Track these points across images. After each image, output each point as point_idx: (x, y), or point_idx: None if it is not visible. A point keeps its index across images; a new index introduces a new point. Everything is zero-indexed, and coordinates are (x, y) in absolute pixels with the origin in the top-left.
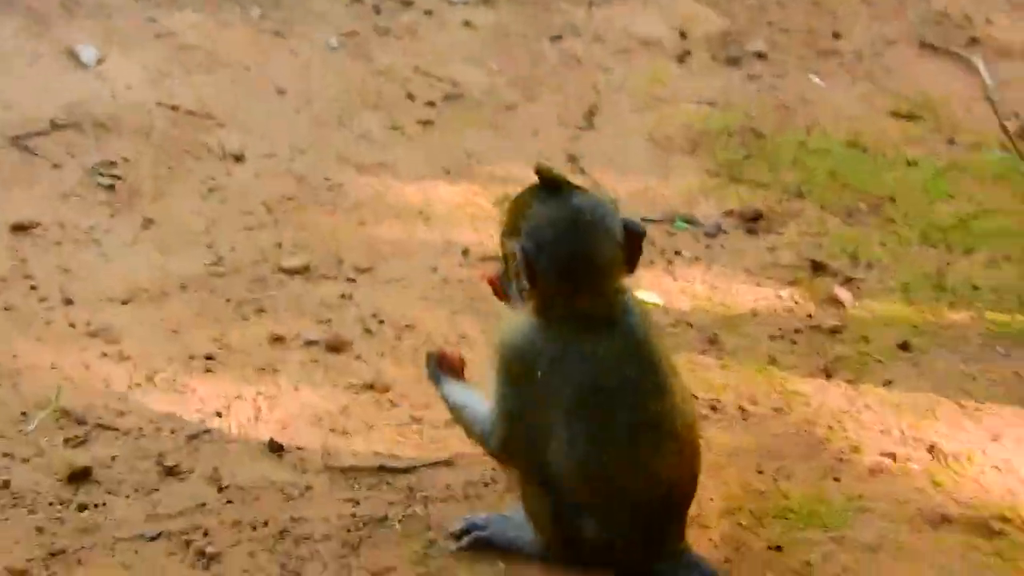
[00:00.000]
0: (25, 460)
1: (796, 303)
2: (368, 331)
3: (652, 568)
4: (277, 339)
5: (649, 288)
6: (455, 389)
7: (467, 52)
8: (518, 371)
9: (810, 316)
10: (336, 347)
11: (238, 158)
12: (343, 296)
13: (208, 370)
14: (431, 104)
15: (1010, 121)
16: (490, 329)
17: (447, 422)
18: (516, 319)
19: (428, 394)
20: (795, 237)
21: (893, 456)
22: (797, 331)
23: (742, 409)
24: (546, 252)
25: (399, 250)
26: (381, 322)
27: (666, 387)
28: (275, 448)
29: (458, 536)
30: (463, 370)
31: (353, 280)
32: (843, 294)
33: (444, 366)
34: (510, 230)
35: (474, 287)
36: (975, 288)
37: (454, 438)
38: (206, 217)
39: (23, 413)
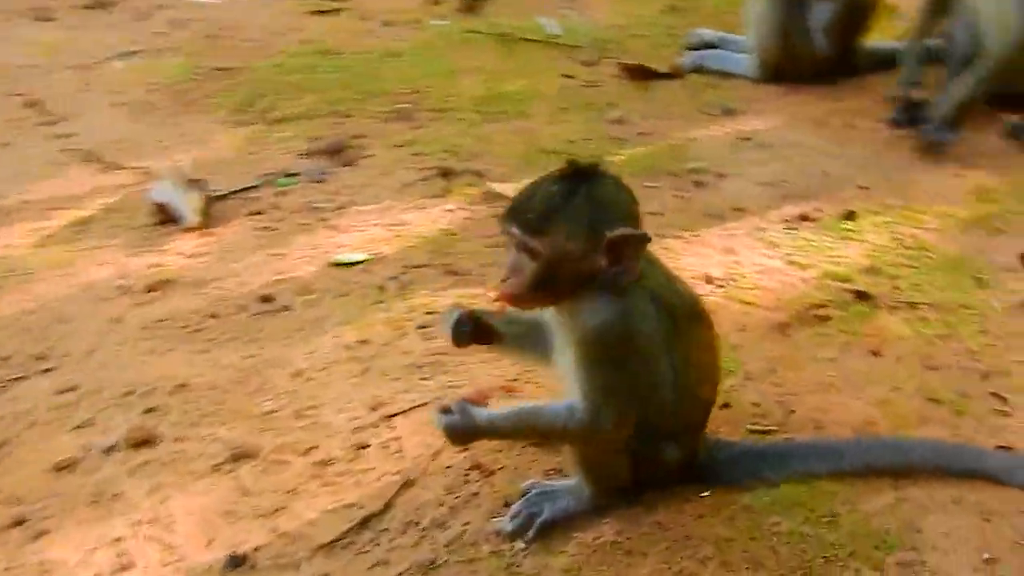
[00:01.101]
0: None
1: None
2: None
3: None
4: None
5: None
6: (506, 411)
7: None
8: (624, 349)
9: None
10: None
11: None
12: None
13: None
14: None
15: None
16: None
17: None
18: (599, 306)
19: None
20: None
21: None
22: None
23: None
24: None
25: None
26: None
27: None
28: None
29: (522, 530)
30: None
31: None
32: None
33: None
34: (586, 224)
35: None
36: None
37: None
38: None
39: None
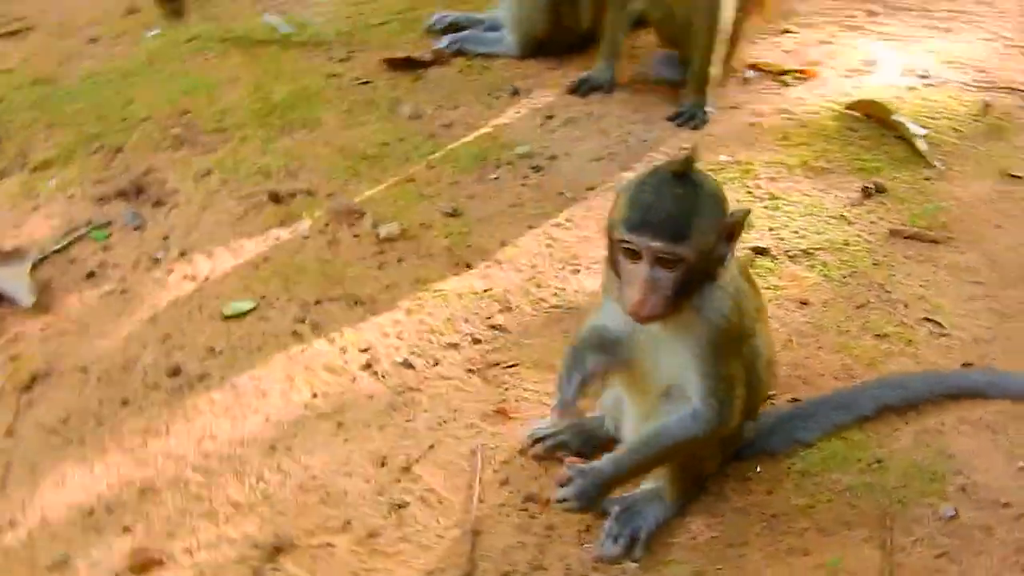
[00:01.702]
0: None
1: None
2: None
3: None
4: None
5: None
6: (628, 448)
7: None
8: (742, 334)
9: None
10: None
11: None
12: None
13: None
14: None
15: None
16: None
17: None
18: (716, 296)
19: None
20: None
21: None
22: None
23: None
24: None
25: None
26: None
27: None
28: None
29: (627, 549)
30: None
31: None
32: None
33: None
34: (712, 216)
35: None
36: None
37: None
38: None
39: None
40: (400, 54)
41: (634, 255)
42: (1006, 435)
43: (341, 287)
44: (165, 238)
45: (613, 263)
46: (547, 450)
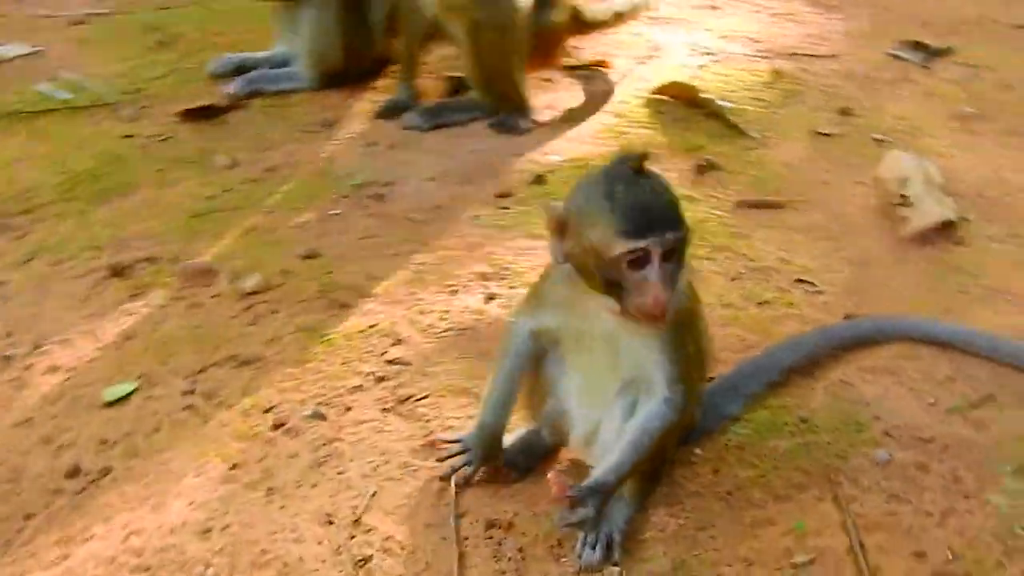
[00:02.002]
0: None
1: None
2: None
3: None
4: None
5: None
6: (619, 455)
7: None
8: (697, 316)
9: None
10: None
11: None
12: None
13: None
14: None
15: None
16: None
17: None
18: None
19: None
20: None
21: None
22: None
23: None
24: None
25: None
26: None
27: None
28: None
29: (608, 552)
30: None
31: None
32: None
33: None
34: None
35: None
36: None
37: None
38: None
39: None
40: (194, 104)
41: (640, 261)
42: (906, 375)
43: (221, 350)
44: (10, 335)
45: (607, 281)
46: (493, 472)
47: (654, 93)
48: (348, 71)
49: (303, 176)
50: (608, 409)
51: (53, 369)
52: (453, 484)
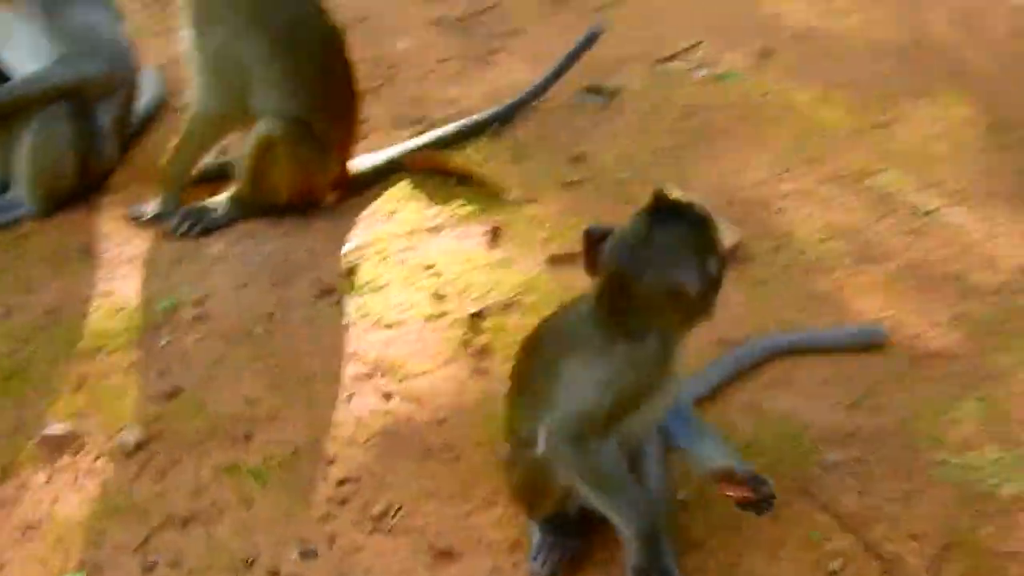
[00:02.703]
0: None
1: None
2: None
3: None
4: None
5: None
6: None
7: None
8: None
9: None
10: None
11: None
12: None
13: None
14: None
15: None
16: None
17: None
18: None
19: None
20: None
21: None
22: None
23: None
24: None
25: None
26: None
27: None
28: None
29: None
30: None
31: None
32: None
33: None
34: None
35: None
36: None
37: None
38: None
39: None
40: None
41: None
42: (799, 385)
43: (152, 515)
44: None
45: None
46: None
47: (406, 167)
48: (78, 188)
49: (97, 312)
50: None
51: None
52: None
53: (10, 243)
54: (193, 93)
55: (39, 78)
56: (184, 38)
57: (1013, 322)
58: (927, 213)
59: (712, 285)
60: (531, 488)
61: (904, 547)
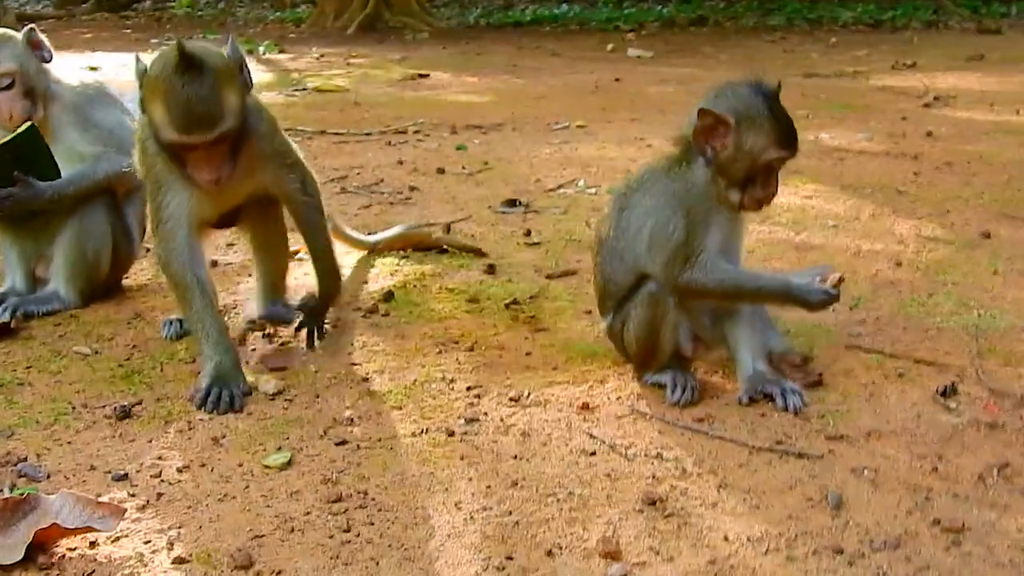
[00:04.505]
0: None
1: None
2: None
3: None
4: None
5: None
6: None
7: None
8: None
9: None
10: None
11: None
12: None
13: None
14: None
15: None
16: None
17: None
18: None
19: None
20: None
21: None
22: None
23: None
24: None
25: None
26: None
27: None
28: None
29: None
30: None
31: None
32: None
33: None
34: None
35: None
36: None
37: None
38: None
39: None
40: None
41: (775, 166)
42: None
43: None
44: None
45: (746, 179)
46: None
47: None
48: (110, 280)
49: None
50: None
51: None
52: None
53: (51, 331)
54: None
55: (83, 175)
56: None
57: None
58: None
59: None
60: (646, 337)
61: (945, 359)
